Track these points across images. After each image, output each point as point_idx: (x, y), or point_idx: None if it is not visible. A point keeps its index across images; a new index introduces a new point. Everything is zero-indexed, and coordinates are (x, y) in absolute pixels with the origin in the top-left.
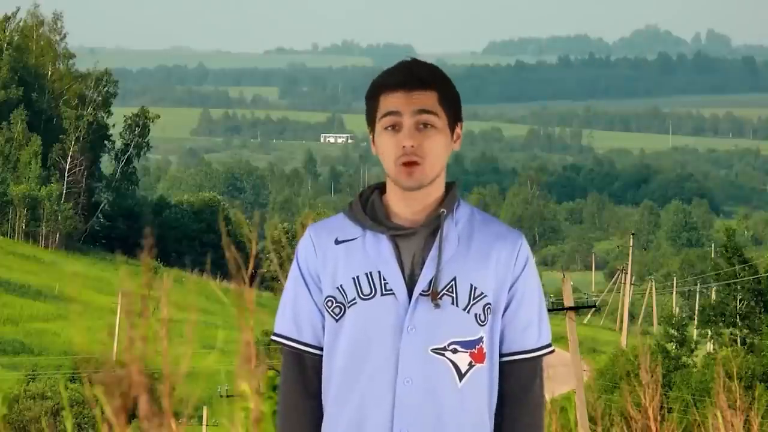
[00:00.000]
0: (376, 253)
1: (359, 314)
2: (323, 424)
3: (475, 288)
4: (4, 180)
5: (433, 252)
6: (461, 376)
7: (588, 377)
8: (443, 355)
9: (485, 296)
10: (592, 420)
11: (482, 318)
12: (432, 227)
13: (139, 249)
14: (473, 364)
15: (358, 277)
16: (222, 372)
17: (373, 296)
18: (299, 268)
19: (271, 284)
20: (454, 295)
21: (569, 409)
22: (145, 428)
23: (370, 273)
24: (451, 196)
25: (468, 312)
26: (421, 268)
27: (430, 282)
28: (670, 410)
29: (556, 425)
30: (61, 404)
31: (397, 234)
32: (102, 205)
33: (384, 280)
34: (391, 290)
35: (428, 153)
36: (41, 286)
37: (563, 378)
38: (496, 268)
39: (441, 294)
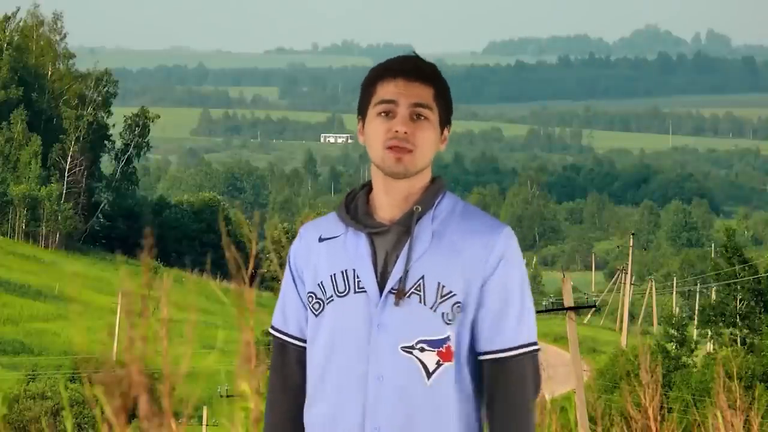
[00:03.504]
0: (354, 250)
1: (335, 311)
2: (305, 415)
3: (443, 286)
4: (4, 180)
5: (404, 250)
6: (429, 374)
7: (588, 377)
8: (411, 353)
9: (454, 295)
10: (592, 420)
11: (450, 317)
12: (406, 224)
13: (139, 249)
14: (441, 363)
15: (335, 274)
16: (222, 372)
17: (347, 293)
18: (289, 264)
19: (271, 284)
20: (421, 294)
21: (569, 409)
22: (145, 428)
23: (346, 271)
24: (432, 191)
25: (435, 311)
26: (394, 266)
27: (399, 280)
28: (670, 410)
29: (556, 425)
30: (61, 404)
31: (373, 231)
32: (102, 205)
33: (357, 278)
34: (363, 288)
35: (420, 143)
36: (41, 286)
37: (563, 378)
38: (466, 265)
39: (408, 292)
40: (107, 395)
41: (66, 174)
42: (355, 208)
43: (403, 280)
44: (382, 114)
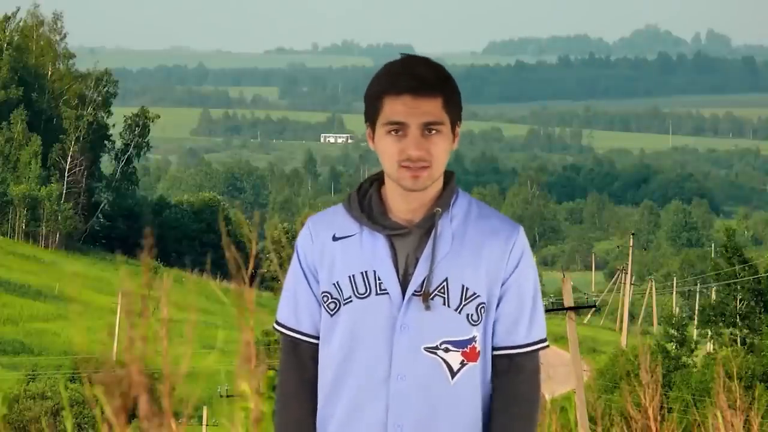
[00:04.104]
0: (372, 252)
1: (354, 312)
2: (318, 413)
3: (467, 288)
4: (4, 180)
5: (426, 252)
6: (453, 374)
7: (588, 377)
8: (435, 353)
9: (478, 296)
10: (592, 420)
11: (475, 318)
12: (427, 226)
13: (139, 249)
14: (465, 362)
15: (354, 275)
16: (222, 372)
17: (369, 295)
18: (299, 260)
19: (271, 284)
20: (445, 296)
21: (569, 409)
22: (145, 428)
23: (366, 272)
24: (449, 191)
25: (459, 312)
26: (415, 268)
27: (423, 282)
28: (670, 410)
29: (556, 425)
30: (61, 404)
31: (393, 233)
32: (102, 205)
33: (379, 279)
34: (386, 290)
35: (434, 158)
36: (41, 286)
37: (563, 378)
38: (488, 266)
39: (432, 295)
40: (107, 395)
41: (66, 174)
42: (369, 207)
43: (427, 282)
44: (393, 132)
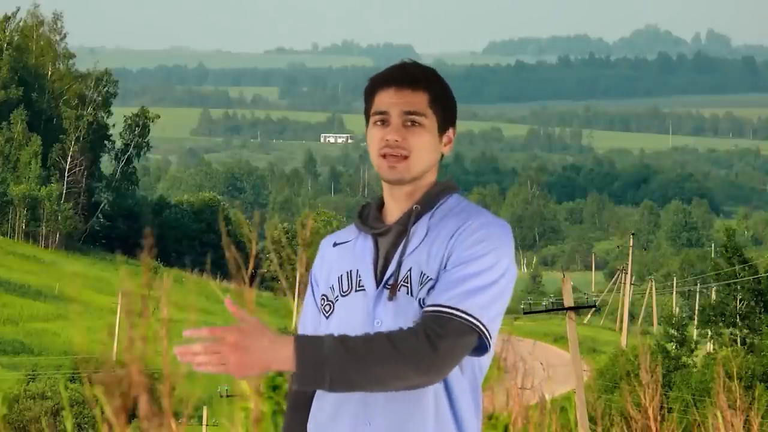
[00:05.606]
0: (361, 252)
1: (340, 310)
2: (311, 415)
3: (425, 275)
4: (4, 180)
5: (400, 247)
6: None
7: (588, 377)
8: None
9: (431, 279)
10: (592, 420)
11: (425, 301)
12: (405, 223)
13: (139, 249)
14: None
15: (342, 275)
16: None
17: (350, 293)
18: (310, 275)
19: (271, 284)
20: (408, 285)
21: (569, 409)
22: (145, 428)
23: (350, 271)
24: (434, 192)
25: (417, 299)
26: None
27: (391, 275)
28: (670, 410)
29: (556, 425)
30: (61, 404)
31: (376, 232)
32: (102, 205)
33: (359, 277)
34: (363, 286)
35: (414, 148)
36: (41, 286)
37: (563, 378)
38: (441, 245)
39: (399, 286)
40: (107, 395)
41: (66, 174)
42: (368, 215)
43: (395, 274)
44: (378, 123)
